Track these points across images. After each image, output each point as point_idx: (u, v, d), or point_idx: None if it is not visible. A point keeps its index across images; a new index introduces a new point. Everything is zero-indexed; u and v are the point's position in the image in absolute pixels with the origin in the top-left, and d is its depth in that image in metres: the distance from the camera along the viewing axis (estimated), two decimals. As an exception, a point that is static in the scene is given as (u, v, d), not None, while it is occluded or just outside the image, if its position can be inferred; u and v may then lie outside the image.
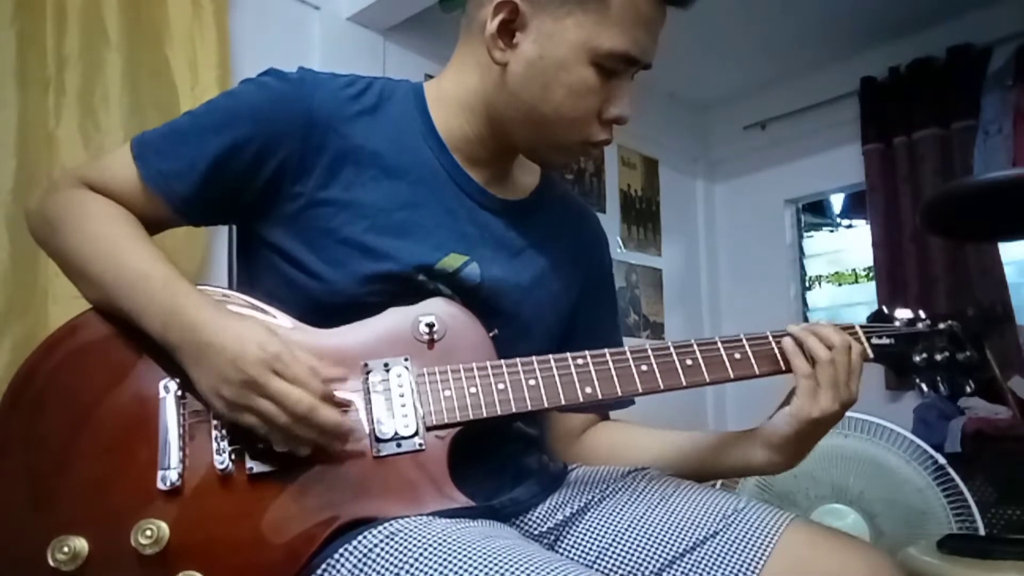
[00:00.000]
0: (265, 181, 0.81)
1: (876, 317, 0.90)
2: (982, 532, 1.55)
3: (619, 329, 1.05)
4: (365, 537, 0.68)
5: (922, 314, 0.90)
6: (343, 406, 0.73)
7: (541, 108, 0.82)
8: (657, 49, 0.84)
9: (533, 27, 0.80)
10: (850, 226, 3.70)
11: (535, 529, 0.85)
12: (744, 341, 0.84)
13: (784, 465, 0.86)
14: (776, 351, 0.84)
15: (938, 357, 0.86)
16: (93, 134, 1.76)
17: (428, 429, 0.74)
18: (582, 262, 0.99)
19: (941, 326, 0.88)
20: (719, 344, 0.83)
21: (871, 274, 3.21)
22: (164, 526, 0.67)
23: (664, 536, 0.79)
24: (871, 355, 0.87)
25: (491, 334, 0.80)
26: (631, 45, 0.79)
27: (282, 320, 0.78)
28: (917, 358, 0.87)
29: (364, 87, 0.87)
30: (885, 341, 0.87)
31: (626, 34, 0.79)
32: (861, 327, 0.88)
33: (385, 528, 0.68)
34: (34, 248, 0.80)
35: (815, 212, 3.72)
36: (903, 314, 0.90)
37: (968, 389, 0.86)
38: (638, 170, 3.52)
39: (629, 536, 0.80)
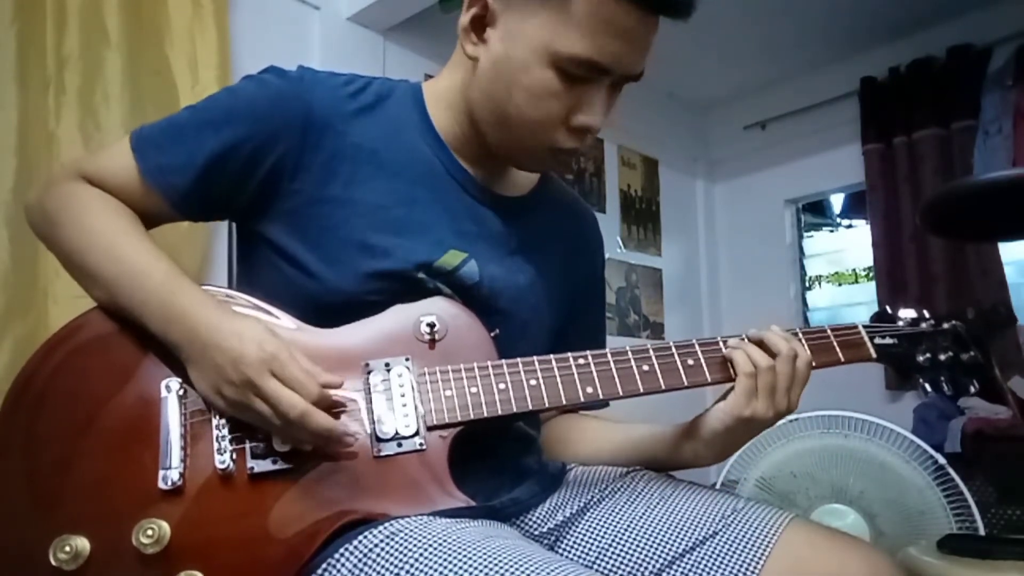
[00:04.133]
0: (263, 178, 0.81)
1: (879, 317, 0.90)
2: (982, 532, 1.55)
3: (604, 331, 1.05)
4: (365, 537, 0.68)
5: (926, 314, 0.89)
6: (338, 408, 0.73)
7: (506, 108, 0.80)
8: (643, 58, 0.78)
9: (501, 24, 0.79)
10: (850, 226, 3.71)
11: (535, 529, 0.85)
12: (746, 341, 0.83)
13: (709, 460, 0.85)
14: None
15: (942, 357, 0.86)
16: (93, 133, 1.76)
17: (429, 429, 0.74)
18: (578, 262, 0.99)
19: (945, 326, 0.88)
20: (721, 344, 0.83)
21: (871, 274, 3.21)
22: (165, 526, 0.67)
23: (664, 536, 0.79)
24: (876, 356, 0.86)
25: (492, 334, 0.80)
26: (594, 51, 0.75)
27: (284, 320, 0.78)
28: (920, 358, 0.87)
29: (363, 86, 0.87)
30: (888, 341, 0.87)
31: (587, 39, 0.75)
32: (864, 327, 0.87)
33: (385, 528, 0.68)
34: (35, 248, 0.80)
35: (815, 212, 3.73)
36: (907, 314, 0.89)
37: (972, 389, 0.86)
38: (638, 170, 3.52)
39: (629, 536, 0.80)
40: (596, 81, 0.78)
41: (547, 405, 0.78)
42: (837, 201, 3.73)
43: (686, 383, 0.81)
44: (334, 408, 0.72)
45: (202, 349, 0.70)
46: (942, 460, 1.59)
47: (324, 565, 0.68)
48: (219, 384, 0.70)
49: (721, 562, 0.76)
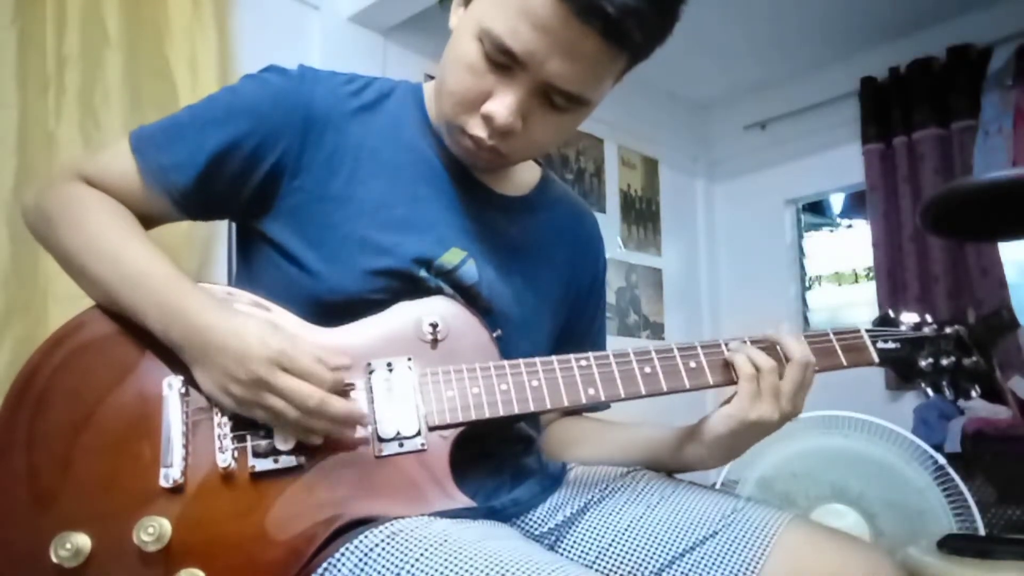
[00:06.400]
0: (264, 176, 0.81)
1: (882, 321, 0.90)
2: (982, 532, 1.55)
3: (604, 333, 1.05)
4: (366, 537, 0.68)
5: (928, 318, 0.89)
6: (350, 389, 0.73)
7: (442, 74, 0.81)
8: (570, 67, 0.73)
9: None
10: (850, 226, 3.71)
11: (536, 530, 0.85)
12: (748, 343, 0.84)
13: (714, 463, 0.85)
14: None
15: (944, 362, 0.86)
16: (93, 133, 1.77)
17: (431, 429, 0.74)
18: (579, 263, 0.99)
19: (948, 331, 0.87)
20: (723, 346, 0.83)
21: (871, 274, 3.22)
22: (166, 524, 0.67)
23: (664, 536, 0.79)
24: (876, 360, 0.86)
25: (494, 335, 0.80)
26: (508, 34, 0.72)
27: (285, 318, 0.78)
28: (923, 363, 0.86)
29: (363, 84, 0.87)
30: (891, 345, 0.87)
31: (505, 19, 0.72)
32: (867, 331, 0.87)
33: (386, 528, 0.68)
34: (35, 248, 0.80)
35: (815, 212, 3.73)
36: (909, 318, 0.89)
37: (974, 394, 0.86)
38: (638, 170, 3.52)
39: (629, 536, 0.80)
40: (514, 75, 0.75)
41: (549, 406, 0.78)
42: (837, 201, 3.74)
43: (688, 385, 0.81)
44: (346, 392, 0.73)
45: (204, 349, 0.70)
46: (942, 460, 1.59)
47: (324, 565, 0.68)
48: (226, 383, 0.70)
49: (721, 562, 0.76)
